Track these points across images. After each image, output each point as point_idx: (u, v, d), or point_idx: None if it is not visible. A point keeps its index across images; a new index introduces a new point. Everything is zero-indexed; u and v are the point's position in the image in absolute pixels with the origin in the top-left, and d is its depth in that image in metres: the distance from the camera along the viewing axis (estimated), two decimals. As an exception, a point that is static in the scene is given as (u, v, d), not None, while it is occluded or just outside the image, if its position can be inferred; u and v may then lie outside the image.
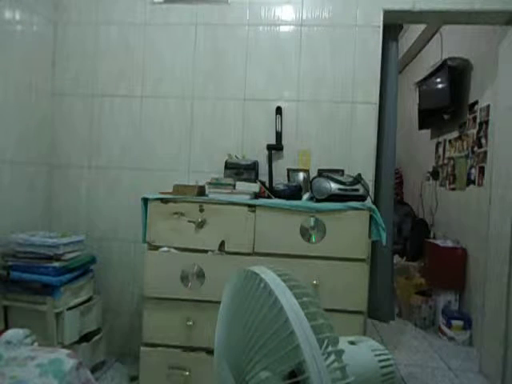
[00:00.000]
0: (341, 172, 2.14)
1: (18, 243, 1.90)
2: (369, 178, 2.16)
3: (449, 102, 3.13)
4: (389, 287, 2.36)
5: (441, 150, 3.62)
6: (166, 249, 1.80)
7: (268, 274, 0.70)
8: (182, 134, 2.30)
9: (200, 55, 2.29)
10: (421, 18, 2.37)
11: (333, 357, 0.63)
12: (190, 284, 1.77)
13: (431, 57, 3.73)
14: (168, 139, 2.31)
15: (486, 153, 2.70)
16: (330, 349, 0.63)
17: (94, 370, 2.05)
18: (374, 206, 1.77)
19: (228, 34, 2.28)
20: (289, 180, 2.16)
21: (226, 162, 2.09)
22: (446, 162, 3.48)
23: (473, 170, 2.91)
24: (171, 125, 2.31)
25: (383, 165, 2.31)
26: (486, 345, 2.36)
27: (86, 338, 2.03)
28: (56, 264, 1.86)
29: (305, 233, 1.77)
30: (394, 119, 2.33)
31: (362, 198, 1.84)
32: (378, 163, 2.26)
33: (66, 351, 1.23)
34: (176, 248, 1.80)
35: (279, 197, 1.93)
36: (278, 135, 2.22)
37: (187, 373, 1.78)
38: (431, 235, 3.53)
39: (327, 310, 0.69)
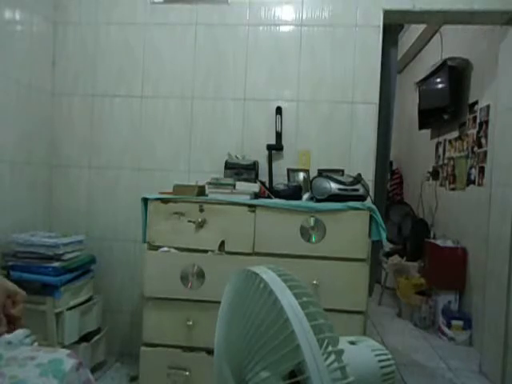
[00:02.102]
0: (341, 172, 2.14)
1: (18, 243, 1.90)
2: (369, 177, 2.15)
3: (449, 101, 3.13)
4: (374, 270, 2.42)
5: (441, 149, 3.62)
6: (166, 249, 1.80)
7: (268, 274, 0.70)
8: (182, 133, 2.30)
9: (200, 55, 2.29)
10: (421, 18, 2.37)
11: (333, 357, 0.63)
12: (189, 284, 1.77)
13: (431, 57, 3.73)
14: (168, 139, 2.31)
15: (486, 153, 2.70)
16: (329, 349, 0.63)
17: (93, 370, 2.05)
18: (374, 206, 1.77)
19: (228, 33, 2.28)
20: (289, 180, 2.16)
21: (226, 162, 2.09)
22: (446, 161, 3.48)
23: (473, 170, 2.91)
24: (171, 125, 2.31)
25: (377, 162, 2.31)
26: (486, 345, 2.36)
27: (85, 338, 2.03)
28: (56, 264, 1.86)
29: (305, 233, 1.77)
30: (391, 118, 2.34)
31: (362, 198, 1.84)
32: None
33: (66, 351, 1.23)
34: (176, 248, 1.80)
35: (279, 197, 1.93)
36: (278, 135, 2.22)
37: (187, 373, 1.78)
38: (431, 235, 3.53)
39: (327, 310, 0.69)
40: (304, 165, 2.22)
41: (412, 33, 3.99)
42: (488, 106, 2.69)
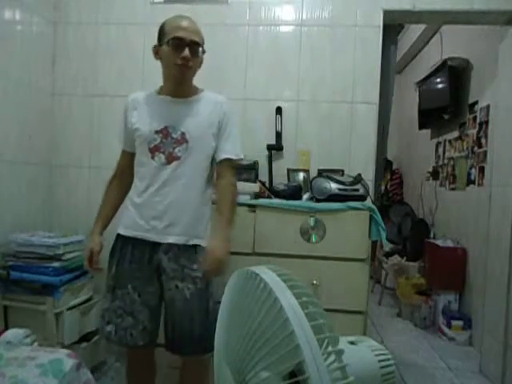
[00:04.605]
0: (341, 172, 2.14)
1: (18, 243, 1.90)
2: (369, 177, 2.15)
3: (449, 101, 3.13)
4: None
5: (441, 149, 3.62)
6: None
7: (268, 274, 0.70)
8: (182, 133, 2.30)
9: (200, 55, 2.29)
10: (421, 18, 2.37)
11: (333, 357, 0.63)
12: (189, 284, 1.77)
13: (431, 57, 3.73)
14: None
15: (485, 153, 2.70)
16: (329, 349, 0.63)
17: (93, 370, 2.05)
18: (373, 206, 1.77)
19: (228, 33, 2.28)
20: (289, 180, 2.16)
21: (226, 162, 2.09)
22: (446, 162, 3.48)
23: (473, 170, 2.91)
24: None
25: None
26: (486, 345, 2.36)
27: (85, 338, 2.03)
28: (56, 264, 1.86)
29: (305, 233, 1.77)
30: (389, 118, 2.37)
31: (362, 198, 1.84)
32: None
33: (65, 351, 1.23)
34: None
35: (279, 197, 1.93)
36: (278, 135, 2.22)
37: (187, 373, 1.77)
38: (431, 235, 3.53)
39: (327, 310, 0.69)
40: (304, 165, 2.22)
41: (412, 33, 3.98)
42: (488, 106, 2.68)
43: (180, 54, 1.34)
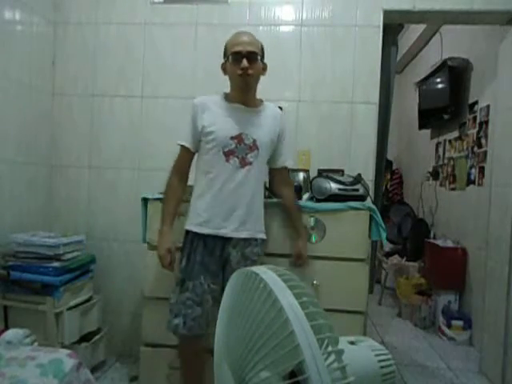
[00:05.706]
0: (341, 172, 2.14)
1: (18, 243, 1.90)
2: (369, 178, 2.15)
3: (449, 102, 3.13)
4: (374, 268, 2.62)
5: (441, 149, 3.62)
6: (166, 249, 1.79)
7: (268, 274, 0.70)
8: (182, 133, 2.30)
9: (200, 55, 2.29)
10: (421, 18, 2.37)
11: (333, 357, 0.63)
12: (190, 284, 1.77)
13: (431, 57, 3.73)
14: (168, 139, 2.30)
15: (485, 153, 2.70)
16: (329, 349, 0.63)
17: (93, 370, 2.05)
18: (373, 206, 1.77)
19: (228, 33, 2.25)
20: (289, 180, 2.16)
21: (226, 162, 2.10)
22: (446, 161, 3.48)
23: (473, 170, 2.91)
24: (171, 125, 2.30)
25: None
26: (486, 345, 2.36)
27: (85, 338, 2.03)
28: (56, 264, 1.86)
29: (305, 233, 1.76)
30: (389, 119, 2.37)
31: (362, 198, 1.84)
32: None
33: (66, 351, 1.23)
34: (176, 248, 1.79)
35: (279, 197, 1.92)
36: (278, 135, 2.22)
37: (187, 373, 1.77)
38: (431, 235, 3.53)
39: (327, 310, 0.69)
40: (304, 165, 2.22)
41: (412, 33, 3.98)
42: (488, 106, 2.68)
43: (239, 65, 1.50)
